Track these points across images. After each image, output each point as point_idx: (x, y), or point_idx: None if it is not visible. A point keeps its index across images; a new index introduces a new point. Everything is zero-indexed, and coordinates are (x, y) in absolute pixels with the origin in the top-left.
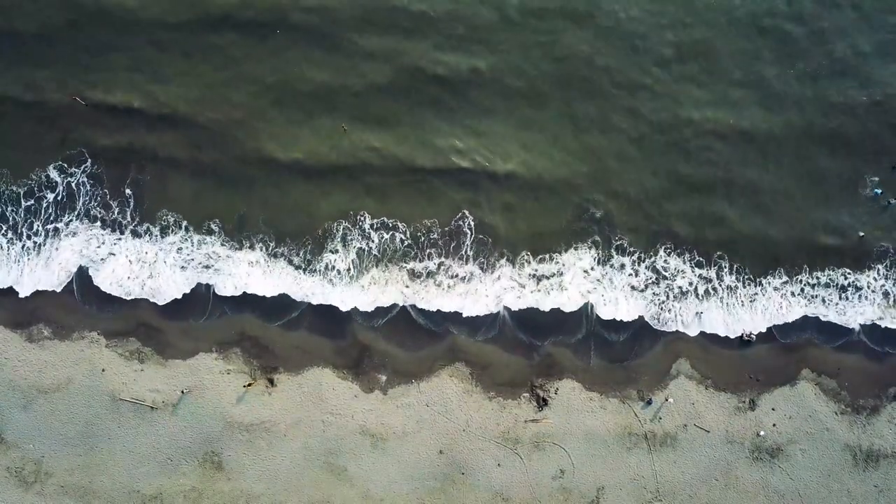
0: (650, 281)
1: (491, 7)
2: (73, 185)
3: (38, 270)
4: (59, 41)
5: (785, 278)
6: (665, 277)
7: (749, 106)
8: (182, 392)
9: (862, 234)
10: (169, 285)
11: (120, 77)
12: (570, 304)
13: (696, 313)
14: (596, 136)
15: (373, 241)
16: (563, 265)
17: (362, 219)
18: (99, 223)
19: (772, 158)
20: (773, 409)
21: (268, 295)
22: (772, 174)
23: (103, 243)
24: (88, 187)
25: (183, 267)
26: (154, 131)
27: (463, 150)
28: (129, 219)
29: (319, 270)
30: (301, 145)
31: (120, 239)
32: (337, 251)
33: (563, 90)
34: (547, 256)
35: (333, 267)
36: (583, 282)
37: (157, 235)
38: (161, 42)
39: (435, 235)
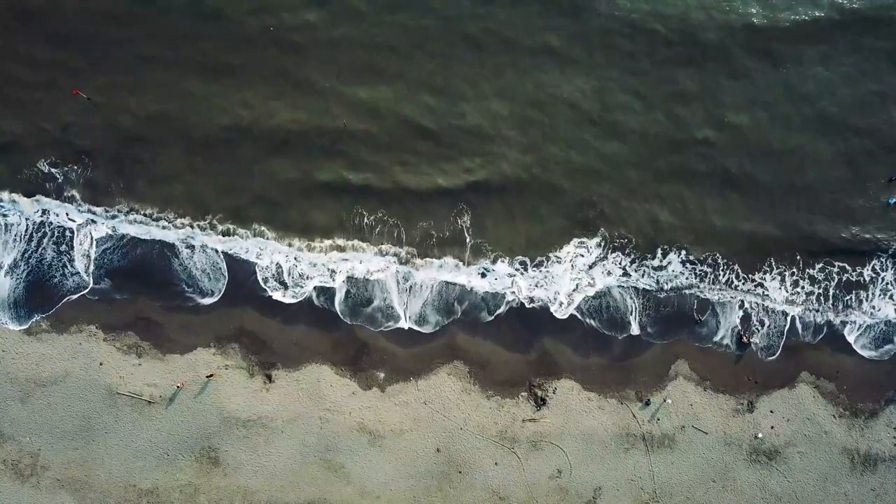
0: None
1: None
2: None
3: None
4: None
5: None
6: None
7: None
8: (178, 387)
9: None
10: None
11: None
12: (570, 305)
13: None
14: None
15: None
16: (562, 264)
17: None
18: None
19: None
20: (771, 412)
21: (290, 304)
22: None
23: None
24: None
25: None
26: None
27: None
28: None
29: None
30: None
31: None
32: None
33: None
34: (545, 256)
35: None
36: (581, 281)
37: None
38: None
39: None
